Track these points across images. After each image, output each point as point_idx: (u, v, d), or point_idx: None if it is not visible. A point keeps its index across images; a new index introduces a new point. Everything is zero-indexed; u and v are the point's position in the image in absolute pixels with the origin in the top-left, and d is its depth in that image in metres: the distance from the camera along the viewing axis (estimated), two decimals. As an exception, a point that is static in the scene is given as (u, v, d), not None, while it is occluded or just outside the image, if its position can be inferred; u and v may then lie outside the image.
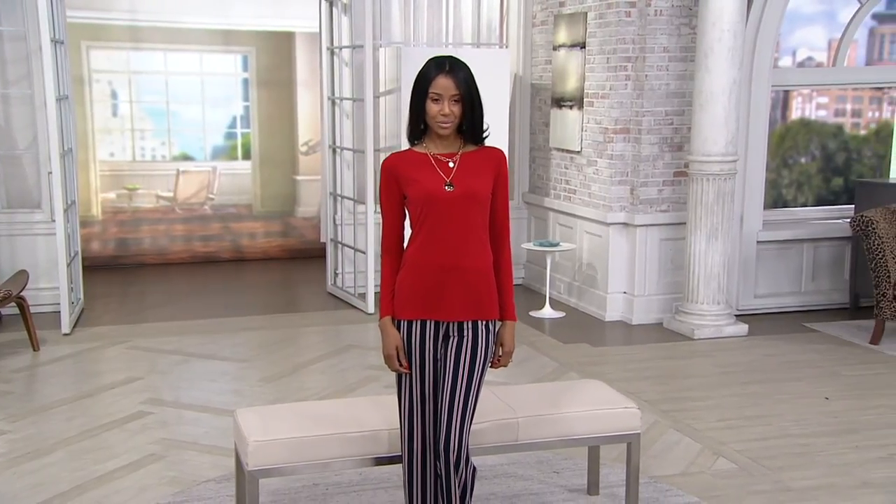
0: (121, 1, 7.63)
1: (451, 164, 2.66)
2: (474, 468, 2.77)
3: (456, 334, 2.70)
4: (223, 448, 3.89)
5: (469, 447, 2.72)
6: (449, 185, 2.64)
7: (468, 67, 2.65)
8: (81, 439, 4.00)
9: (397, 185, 2.69)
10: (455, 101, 2.59)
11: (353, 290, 6.55)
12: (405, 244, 2.76)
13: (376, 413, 3.10)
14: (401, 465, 2.83)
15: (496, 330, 2.77)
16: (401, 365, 2.71)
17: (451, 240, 2.65)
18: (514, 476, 3.64)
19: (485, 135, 2.70)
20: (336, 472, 3.55)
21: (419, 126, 2.67)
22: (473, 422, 2.75)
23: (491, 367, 2.77)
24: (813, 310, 6.38)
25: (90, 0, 7.50)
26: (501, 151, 2.75)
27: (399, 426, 2.79)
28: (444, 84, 2.58)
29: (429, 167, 2.66)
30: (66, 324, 5.65)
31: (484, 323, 2.71)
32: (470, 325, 2.70)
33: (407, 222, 2.75)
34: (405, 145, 6.80)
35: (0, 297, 5.15)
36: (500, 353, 2.79)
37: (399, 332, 2.71)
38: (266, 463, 2.89)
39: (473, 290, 2.67)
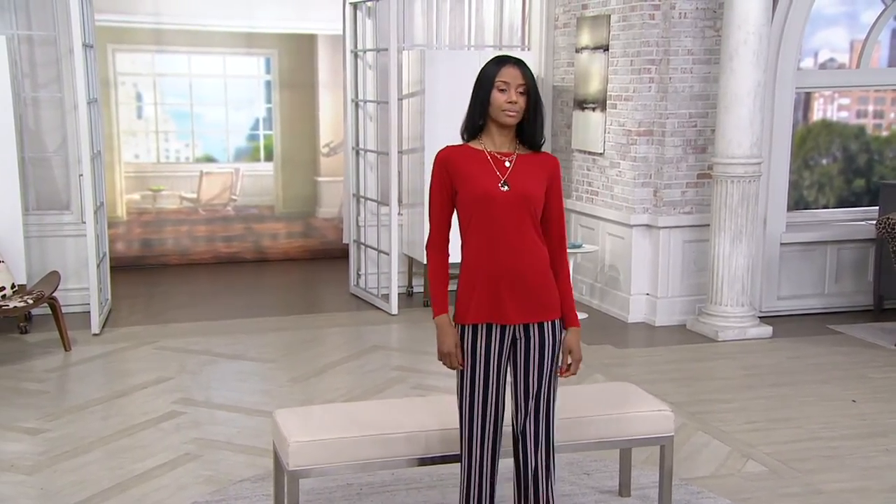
0: (145, 4, 7.71)
1: (507, 164, 2.66)
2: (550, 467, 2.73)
3: (522, 336, 2.71)
4: (257, 448, 3.94)
5: (552, 447, 2.74)
6: (504, 184, 2.64)
7: None
8: (118, 438, 4.07)
9: (450, 179, 2.68)
10: (521, 92, 2.61)
11: (377, 291, 6.60)
12: (456, 247, 2.75)
13: (413, 415, 3.14)
14: (428, 467, 2.86)
15: (561, 329, 2.75)
16: (459, 363, 2.70)
17: (507, 241, 2.65)
18: (546, 477, 3.67)
19: (542, 142, 2.72)
20: (370, 473, 3.59)
21: (479, 121, 2.66)
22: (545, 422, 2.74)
23: (560, 375, 2.76)
24: (837, 312, 6.38)
25: (115, 3, 7.58)
26: (557, 159, 2.77)
27: (460, 426, 2.78)
28: (511, 73, 2.61)
29: (485, 164, 2.66)
30: (95, 324, 5.72)
31: (550, 323, 2.71)
32: (536, 327, 2.70)
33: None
34: (428, 147, 6.80)
35: (34, 298, 5.22)
36: (570, 361, 2.75)
37: (463, 336, 2.70)
38: (307, 463, 2.93)
39: (535, 291, 2.67)
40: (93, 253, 5.66)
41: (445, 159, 2.70)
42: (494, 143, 2.69)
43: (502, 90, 2.61)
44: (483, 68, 2.67)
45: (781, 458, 3.91)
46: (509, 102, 2.61)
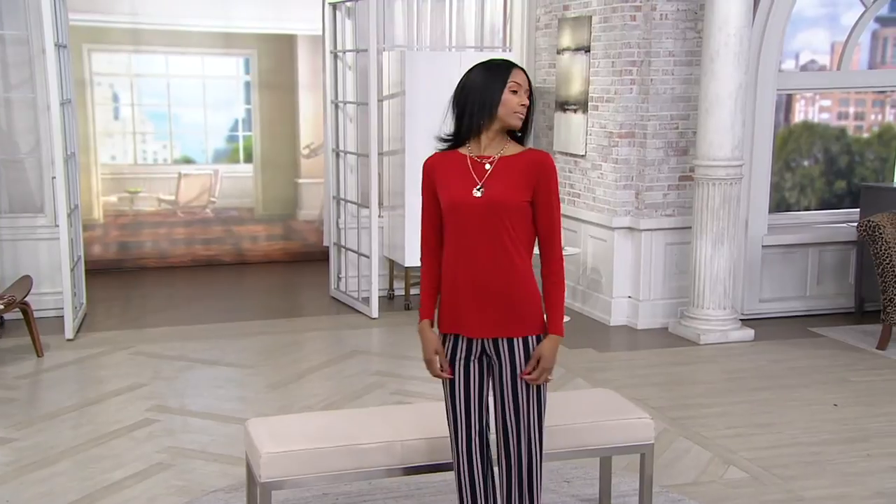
0: (122, 3, 7.60)
1: (486, 167, 2.56)
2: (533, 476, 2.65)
3: (493, 351, 2.61)
4: (231, 456, 3.86)
5: (535, 464, 2.65)
6: (479, 188, 2.54)
7: None
8: (88, 448, 3.98)
9: (433, 186, 2.63)
10: (527, 96, 2.56)
11: (357, 295, 6.53)
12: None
13: (388, 424, 3.07)
14: (405, 476, 2.81)
15: (533, 344, 2.61)
16: (442, 371, 2.64)
17: (472, 251, 2.55)
18: (525, 485, 3.62)
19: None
20: (346, 483, 3.52)
21: (481, 123, 2.53)
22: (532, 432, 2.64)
23: (522, 376, 2.60)
24: (818, 314, 6.37)
25: (91, 3, 7.47)
26: (547, 155, 2.60)
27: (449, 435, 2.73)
28: (521, 77, 2.56)
29: (463, 170, 2.57)
30: (69, 329, 5.62)
31: (522, 340, 2.58)
32: (505, 343, 2.58)
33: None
34: (409, 149, 6.73)
35: (5, 302, 5.12)
36: (534, 366, 2.58)
37: (445, 344, 2.65)
38: (279, 475, 2.86)
39: (499, 305, 2.55)
40: (66, 257, 5.56)
41: (429, 167, 2.65)
42: (481, 146, 2.59)
43: (514, 91, 2.53)
44: (486, 69, 2.55)
45: (763, 464, 3.88)
46: (521, 105, 2.54)
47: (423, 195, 2.67)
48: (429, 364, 2.66)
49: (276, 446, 2.88)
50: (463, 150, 2.62)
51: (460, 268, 2.58)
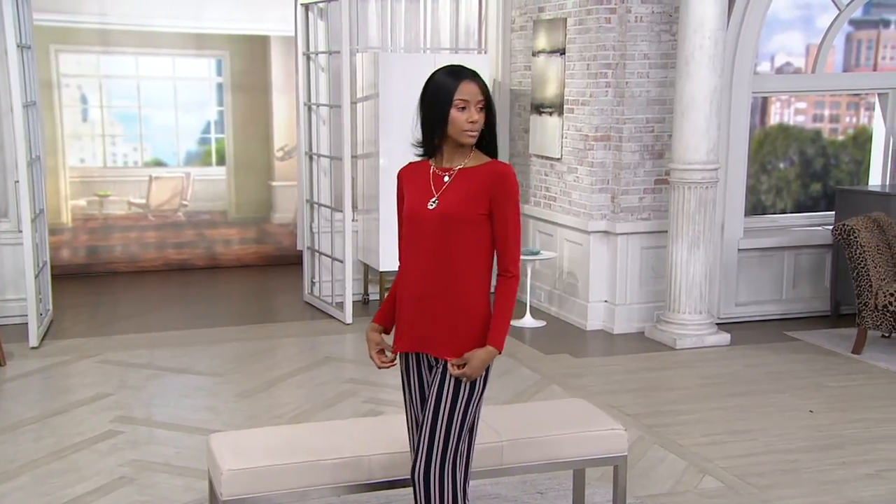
0: (90, 3, 7.45)
1: (445, 179, 2.49)
2: None
3: (439, 367, 2.53)
4: (197, 470, 3.76)
5: (458, 489, 2.51)
6: (434, 201, 2.48)
7: None
8: (49, 461, 3.86)
9: (402, 197, 2.60)
10: (480, 108, 2.44)
11: (331, 300, 6.44)
12: None
13: (354, 438, 2.99)
14: (372, 492, 2.73)
15: (488, 367, 2.50)
16: (387, 361, 2.62)
17: (423, 264, 2.49)
18: (498, 497, 3.55)
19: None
20: (311, 499, 3.43)
21: (436, 141, 2.47)
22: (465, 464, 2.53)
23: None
24: (794, 318, 6.36)
25: (58, 3, 7.32)
26: (507, 166, 2.48)
27: None
28: (470, 90, 2.42)
29: (425, 181, 2.51)
30: (33, 337, 5.48)
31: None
32: (441, 364, 2.51)
33: None
34: (383, 152, 6.65)
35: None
36: (460, 366, 2.44)
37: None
38: (241, 492, 2.77)
39: (439, 323, 2.47)
40: (30, 262, 5.42)
41: (400, 177, 2.62)
42: (443, 157, 2.52)
43: (462, 108, 2.42)
44: (435, 82, 2.45)
45: (738, 472, 3.83)
46: (470, 122, 2.43)
47: (397, 207, 2.65)
48: (375, 360, 2.65)
49: (238, 462, 2.79)
50: (431, 161, 2.56)
51: (413, 279, 2.53)
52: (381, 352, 2.63)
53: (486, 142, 2.51)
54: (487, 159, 2.52)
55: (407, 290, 2.55)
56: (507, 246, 2.47)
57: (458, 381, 2.48)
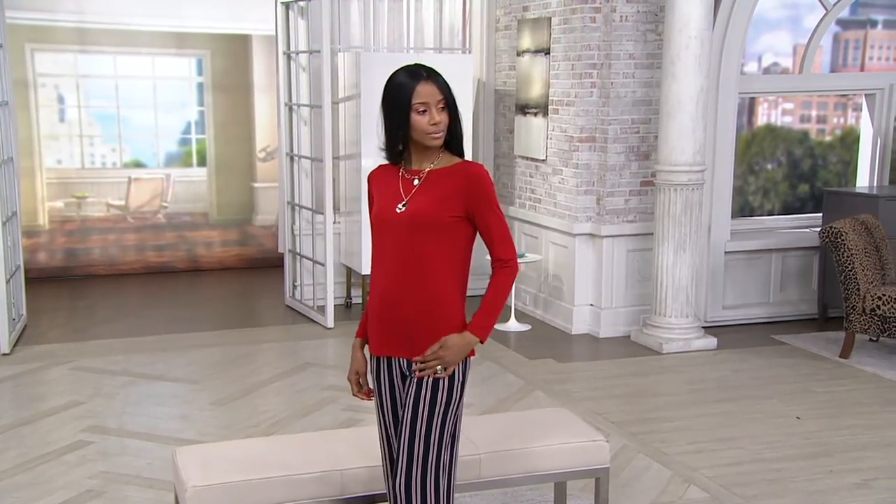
0: (67, 1, 7.30)
1: (415, 182, 2.40)
2: None
3: (409, 373, 2.45)
4: (168, 482, 3.63)
5: (441, 501, 2.43)
6: (403, 205, 2.39)
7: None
8: (14, 474, 3.73)
9: (372, 200, 2.52)
10: (441, 108, 2.35)
11: (312, 303, 6.33)
12: None
13: (330, 450, 2.89)
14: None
15: (465, 370, 2.43)
16: (360, 393, 2.54)
17: (393, 268, 2.41)
18: (477, 509, 3.45)
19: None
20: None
21: (399, 147, 2.39)
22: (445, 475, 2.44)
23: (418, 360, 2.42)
24: (781, 321, 6.28)
25: (34, 0, 7.17)
26: (479, 167, 2.42)
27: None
28: (428, 91, 2.33)
29: (394, 185, 2.43)
30: (5, 343, 5.35)
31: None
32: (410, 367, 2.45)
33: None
34: (365, 153, 6.52)
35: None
36: (433, 351, 2.36)
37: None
38: (207, 510, 2.66)
39: (410, 326, 2.40)
40: (1, 267, 5.28)
41: (370, 181, 2.53)
42: (412, 160, 2.44)
43: (422, 112, 2.33)
44: (392, 85, 2.36)
45: (724, 482, 3.74)
46: (433, 125, 2.34)
47: (369, 211, 2.55)
48: (350, 384, 2.55)
49: (204, 478, 2.68)
50: (400, 164, 2.47)
51: (383, 284, 2.45)
52: (358, 382, 2.55)
53: (452, 141, 2.42)
54: (457, 159, 2.43)
55: (378, 294, 2.46)
56: (493, 243, 2.42)
57: (434, 386, 2.38)
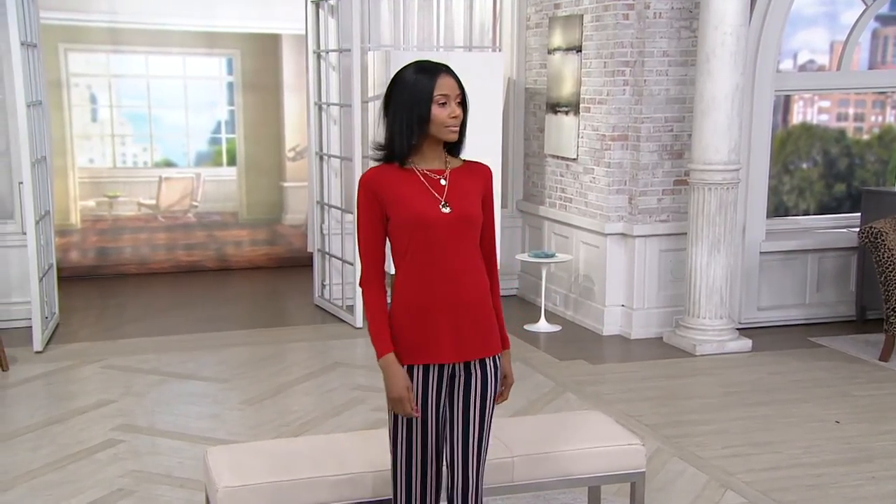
0: (100, 2, 7.36)
1: (442, 182, 2.37)
2: None
3: (462, 373, 2.42)
4: (198, 481, 3.63)
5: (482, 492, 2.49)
6: (444, 205, 2.35)
7: None
8: (45, 472, 3.74)
9: (380, 204, 2.37)
10: (458, 102, 2.34)
11: (342, 303, 6.31)
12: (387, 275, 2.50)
13: (359, 452, 2.85)
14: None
15: (500, 363, 2.50)
16: (412, 408, 2.38)
17: (449, 270, 2.36)
18: (509, 513, 3.40)
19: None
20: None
21: (414, 141, 2.34)
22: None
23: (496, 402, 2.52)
24: (818, 323, 6.15)
25: (67, 1, 7.23)
26: (489, 168, 2.50)
27: (392, 470, 2.48)
28: (449, 84, 2.32)
29: (418, 185, 2.36)
30: (38, 341, 5.39)
31: (492, 358, 2.46)
32: (478, 364, 2.43)
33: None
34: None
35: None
36: (503, 386, 2.52)
37: None
38: (238, 510, 2.64)
39: (480, 324, 2.42)
40: (34, 265, 5.32)
41: (372, 182, 2.36)
42: (425, 159, 2.39)
43: (443, 104, 2.32)
44: (407, 80, 2.32)
45: (761, 487, 3.66)
46: (452, 118, 2.33)
47: (361, 217, 2.39)
48: (399, 403, 2.37)
49: (235, 479, 2.66)
50: (408, 165, 2.39)
51: (437, 288, 2.37)
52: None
53: (459, 141, 2.41)
54: (462, 160, 2.47)
55: (433, 297, 2.36)
56: (492, 245, 2.51)
57: (484, 386, 2.43)
